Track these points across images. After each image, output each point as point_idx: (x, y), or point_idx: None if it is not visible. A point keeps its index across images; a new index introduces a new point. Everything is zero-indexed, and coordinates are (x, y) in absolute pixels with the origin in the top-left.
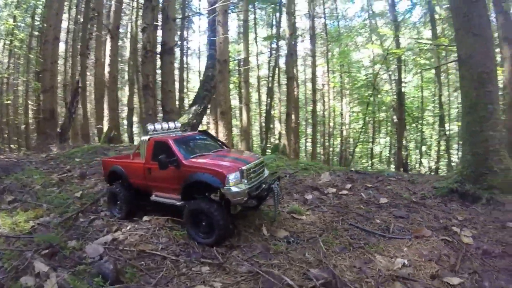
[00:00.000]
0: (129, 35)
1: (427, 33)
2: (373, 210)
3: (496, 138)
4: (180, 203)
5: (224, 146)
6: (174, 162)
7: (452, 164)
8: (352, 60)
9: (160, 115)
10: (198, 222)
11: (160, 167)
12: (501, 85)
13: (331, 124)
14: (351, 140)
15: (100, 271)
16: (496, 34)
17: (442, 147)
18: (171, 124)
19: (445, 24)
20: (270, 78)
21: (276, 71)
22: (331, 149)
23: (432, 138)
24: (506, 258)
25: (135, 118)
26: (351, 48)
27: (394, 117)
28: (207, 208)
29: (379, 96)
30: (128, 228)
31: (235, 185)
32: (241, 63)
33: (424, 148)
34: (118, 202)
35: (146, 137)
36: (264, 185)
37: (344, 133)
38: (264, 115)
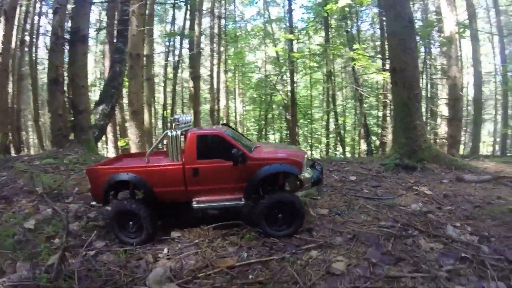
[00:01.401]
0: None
1: (318, 39)
2: (352, 185)
3: (421, 126)
4: (242, 202)
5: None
6: (240, 157)
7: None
8: (247, 61)
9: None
10: (273, 216)
11: (234, 164)
12: None
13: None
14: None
15: None
16: None
17: (331, 139)
18: (188, 117)
19: (335, 32)
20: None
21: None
22: None
23: (320, 132)
24: (457, 196)
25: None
26: (246, 49)
27: (287, 114)
28: (291, 200)
29: (274, 95)
30: (166, 251)
31: (306, 171)
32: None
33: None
34: (132, 223)
35: (176, 132)
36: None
37: (240, 131)
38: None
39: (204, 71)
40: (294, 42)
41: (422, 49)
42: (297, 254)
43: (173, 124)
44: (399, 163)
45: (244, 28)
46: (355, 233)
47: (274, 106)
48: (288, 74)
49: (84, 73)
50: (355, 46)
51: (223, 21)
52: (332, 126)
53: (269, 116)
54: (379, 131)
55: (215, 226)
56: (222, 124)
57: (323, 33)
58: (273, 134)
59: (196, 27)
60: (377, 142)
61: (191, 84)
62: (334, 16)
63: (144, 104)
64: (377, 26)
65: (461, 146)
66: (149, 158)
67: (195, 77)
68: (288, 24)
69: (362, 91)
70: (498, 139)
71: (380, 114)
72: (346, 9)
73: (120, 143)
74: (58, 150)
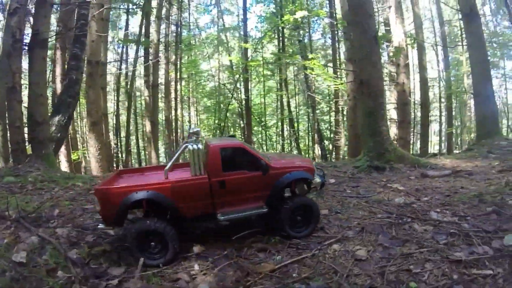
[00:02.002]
0: None
1: (270, 47)
2: (335, 187)
3: (386, 130)
4: (265, 209)
5: None
6: (265, 167)
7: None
8: (201, 70)
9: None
10: (294, 219)
11: (263, 174)
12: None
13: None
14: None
15: None
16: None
17: (286, 145)
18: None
19: (288, 41)
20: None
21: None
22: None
23: (275, 138)
24: (427, 189)
25: None
26: (200, 58)
27: (242, 122)
28: (310, 203)
29: (229, 104)
30: (198, 267)
31: (316, 177)
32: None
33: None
34: (155, 243)
35: (198, 145)
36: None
37: None
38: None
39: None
40: (249, 50)
41: None
42: (322, 249)
43: (193, 137)
44: (370, 164)
45: (198, 36)
46: (362, 226)
47: (228, 114)
48: (242, 82)
49: (43, 81)
50: (310, 56)
51: (175, 28)
52: (286, 132)
53: (223, 124)
54: (331, 135)
55: (234, 236)
56: (229, 136)
57: (275, 42)
58: None
59: (154, 34)
60: (330, 147)
61: (145, 93)
62: (287, 26)
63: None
64: (328, 36)
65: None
66: (153, 174)
67: (153, 85)
68: (242, 33)
69: (317, 98)
70: (443, 138)
71: (331, 119)
72: (299, 19)
73: (73, 157)
74: (16, 167)
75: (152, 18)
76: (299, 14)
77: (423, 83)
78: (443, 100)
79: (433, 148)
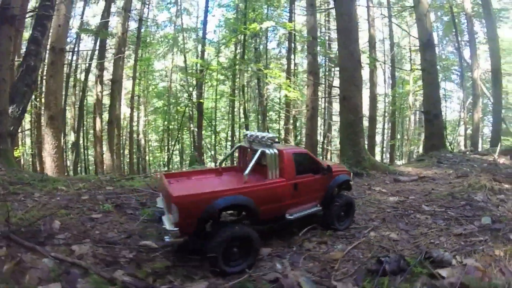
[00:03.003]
0: None
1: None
2: None
3: (363, 141)
4: (320, 208)
5: None
6: (328, 170)
7: None
8: (154, 69)
9: None
10: (340, 214)
11: (326, 175)
12: None
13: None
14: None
15: None
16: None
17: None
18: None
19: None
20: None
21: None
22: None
23: (225, 143)
24: (405, 191)
25: None
26: (153, 56)
27: (191, 125)
28: (351, 200)
29: (182, 106)
30: (280, 267)
31: None
32: None
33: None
34: (238, 249)
35: (273, 151)
36: None
37: (143, 142)
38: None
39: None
40: (206, 53)
41: None
42: (366, 236)
43: (269, 142)
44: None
45: (155, 34)
46: (383, 217)
47: (176, 117)
48: (196, 85)
49: (6, 63)
50: (272, 65)
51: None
52: (237, 138)
53: (172, 127)
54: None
55: (294, 233)
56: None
57: (232, 48)
58: (178, 145)
59: (119, 27)
60: None
61: (98, 88)
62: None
63: None
64: (283, 46)
65: None
66: (204, 177)
67: (114, 81)
68: (201, 35)
69: (276, 105)
70: (385, 149)
71: (280, 127)
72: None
73: (16, 153)
74: None
75: (113, 9)
76: (267, 24)
77: (373, 98)
78: (387, 114)
79: (376, 158)
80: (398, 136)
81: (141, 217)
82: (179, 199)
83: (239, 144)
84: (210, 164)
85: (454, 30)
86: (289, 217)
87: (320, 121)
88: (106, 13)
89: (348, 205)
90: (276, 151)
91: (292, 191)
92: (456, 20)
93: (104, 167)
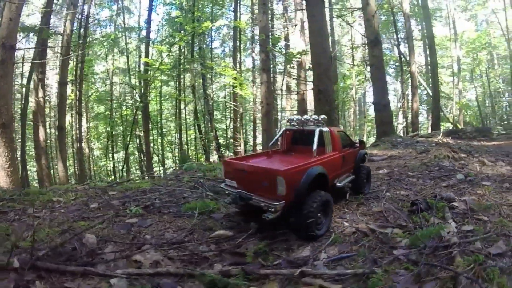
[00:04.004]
0: None
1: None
2: None
3: None
4: (353, 175)
5: None
6: (362, 144)
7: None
8: (96, 71)
9: None
10: (364, 180)
11: (361, 149)
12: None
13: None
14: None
15: None
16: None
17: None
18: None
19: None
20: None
21: None
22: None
23: (172, 146)
24: (384, 167)
25: None
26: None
27: (137, 130)
28: (369, 169)
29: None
30: (347, 224)
31: None
32: None
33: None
34: (321, 214)
35: (327, 129)
36: None
37: (87, 150)
38: None
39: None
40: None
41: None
42: (385, 196)
43: (322, 122)
44: None
45: (95, 34)
46: (387, 182)
47: (119, 122)
48: (142, 86)
49: None
50: (223, 63)
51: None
52: (184, 139)
53: (116, 132)
54: (227, 142)
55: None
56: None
57: (175, 47)
58: (122, 151)
59: (68, 24)
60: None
61: (40, 94)
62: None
63: None
64: (225, 45)
65: None
66: (283, 157)
67: (62, 83)
68: (145, 34)
69: (233, 104)
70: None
71: (227, 126)
72: (210, 26)
73: None
74: None
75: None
76: (220, 23)
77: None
78: None
79: None
80: (341, 127)
81: (183, 212)
82: (285, 172)
83: (284, 128)
84: (159, 169)
85: (393, 28)
86: (339, 184)
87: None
88: (49, 10)
89: (368, 174)
90: (328, 129)
91: (342, 162)
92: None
93: (58, 179)
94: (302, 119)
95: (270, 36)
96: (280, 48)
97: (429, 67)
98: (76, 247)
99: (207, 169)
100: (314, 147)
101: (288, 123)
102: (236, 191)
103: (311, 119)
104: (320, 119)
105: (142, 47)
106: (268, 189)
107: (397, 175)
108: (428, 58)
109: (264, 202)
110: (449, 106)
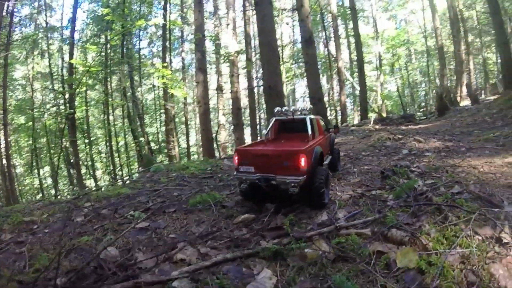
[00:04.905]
0: None
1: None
2: None
3: None
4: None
5: None
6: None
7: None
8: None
9: None
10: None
11: (336, 132)
12: None
13: None
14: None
15: None
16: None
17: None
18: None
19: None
20: None
21: None
22: None
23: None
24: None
25: None
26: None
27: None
28: (339, 150)
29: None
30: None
31: None
32: None
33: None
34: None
35: (313, 117)
36: None
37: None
38: None
39: None
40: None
41: None
42: (353, 170)
43: (308, 111)
44: None
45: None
46: (348, 161)
47: (42, 133)
48: (69, 90)
49: None
50: (158, 64)
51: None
52: (115, 145)
53: (39, 145)
54: (159, 147)
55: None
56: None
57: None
58: (47, 165)
59: None
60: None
61: None
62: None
63: None
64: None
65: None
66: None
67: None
68: (70, 34)
69: (170, 105)
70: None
71: (158, 130)
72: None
73: None
74: None
75: None
76: (155, 21)
77: (251, 91)
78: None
79: None
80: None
81: (191, 207)
82: (305, 150)
83: (275, 118)
84: (90, 182)
85: (321, 28)
86: (325, 162)
87: None
88: None
89: (339, 154)
90: (314, 117)
91: (326, 143)
92: (318, 19)
93: None
94: (291, 109)
95: (206, 35)
96: (216, 47)
97: (354, 63)
98: (97, 265)
99: (180, 168)
100: (310, 131)
101: (278, 114)
102: (255, 175)
103: (298, 109)
104: (307, 109)
105: (66, 48)
106: (290, 168)
107: (354, 156)
108: (352, 55)
109: (289, 179)
110: (371, 98)
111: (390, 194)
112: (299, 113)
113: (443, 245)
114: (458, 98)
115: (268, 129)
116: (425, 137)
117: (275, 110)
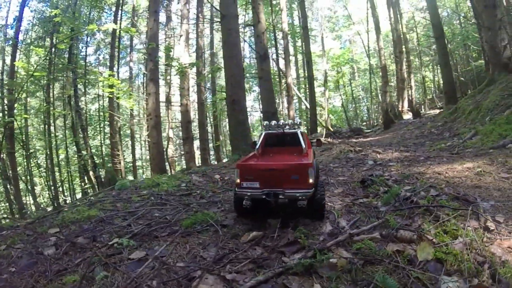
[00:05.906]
0: None
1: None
2: None
3: (249, 139)
4: None
5: None
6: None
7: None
8: None
9: None
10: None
11: (318, 146)
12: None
13: None
14: None
15: None
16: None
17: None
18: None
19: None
20: None
21: None
22: None
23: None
24: None
25: None
26: None
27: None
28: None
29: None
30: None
31: None
32: None
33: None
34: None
35: (302, 130)
36: None
37: None
38: None
39: None
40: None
41: None
42: (330, 180)
43: (296, 126)
44: None
45: None
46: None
47: None
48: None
49: None
50: (107, 73)
51: None
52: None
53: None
54: (100, 160)
55: None
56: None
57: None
58: None
59: None
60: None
61: None
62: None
63: None
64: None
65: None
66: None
67: None
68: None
69: (118, 116)
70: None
71: (102, 142)
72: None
73: None
74: None
75: None
76: (109, 26)
77: (201, 105)
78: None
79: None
80: (221, 138)
81: (185, 229)
82: (311, 164)
83: (265, 132)
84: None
85: (274, 44)
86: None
87: None
88: None
89: (318, 166)
90: (302, 131)
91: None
92: (270, 36)
93: None
94: (280, 123)
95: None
96: (168, 58)
97: (301, 79)
98: None
99: (150, 185)
100: (303, 145)
101: (268, 128)
102: (260, 190)
103: (288, 123)
104: (297, 123)
105: (8, 49)
106: (298, 181)
107: (325, 168)
108: (299, 72)
109: (300, 192)
110: (318, 112)
111: (378, 201)
112: (288, 127)
113: (446, 238)
114: (401, 112)
115: (258, 144)
116: (381, 148)
117: (264, 124)
